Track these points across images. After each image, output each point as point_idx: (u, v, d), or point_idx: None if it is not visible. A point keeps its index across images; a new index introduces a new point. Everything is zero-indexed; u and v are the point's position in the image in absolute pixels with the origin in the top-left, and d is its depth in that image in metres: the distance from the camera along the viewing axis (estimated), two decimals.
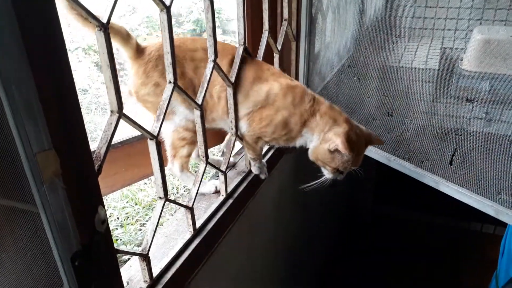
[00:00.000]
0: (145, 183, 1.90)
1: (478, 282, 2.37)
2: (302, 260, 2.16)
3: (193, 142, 1.07)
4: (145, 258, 0.80)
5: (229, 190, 1.15)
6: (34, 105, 0.48)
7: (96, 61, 2.94)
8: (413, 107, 1.36)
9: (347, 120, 1.12)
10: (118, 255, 0.70)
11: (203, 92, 0.95)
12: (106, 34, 0.61)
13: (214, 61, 0.95)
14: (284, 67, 1.46)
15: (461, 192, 1.25)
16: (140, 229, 1.67)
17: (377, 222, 3.12)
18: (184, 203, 0.94)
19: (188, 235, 0.97)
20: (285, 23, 1.39)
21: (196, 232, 0.99)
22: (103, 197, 0.63)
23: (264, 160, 1.30)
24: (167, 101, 0.81)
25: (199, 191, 1.00)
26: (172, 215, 1.13)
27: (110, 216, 1.70)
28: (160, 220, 0.84)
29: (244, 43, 1.08)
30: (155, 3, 0.74)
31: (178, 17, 3.63)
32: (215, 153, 1.66)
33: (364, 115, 1.47)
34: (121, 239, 1.61)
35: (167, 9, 0.76)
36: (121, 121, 0.67)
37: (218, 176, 1.13)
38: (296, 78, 1.56)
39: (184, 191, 1.85)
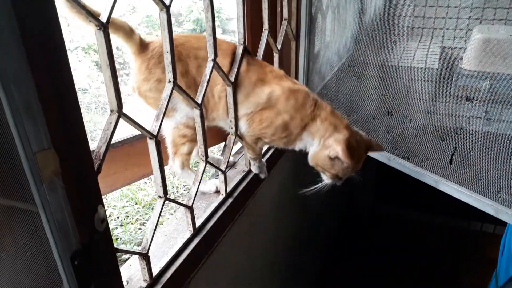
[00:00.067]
0: (145, 183, 1.90)
1: (478, 281, 2.37)
2: (302, 259, 2.16)
3: (194, 140, 1.07)
4: (144, 257, 0.80)
5: (228, 189, 1.15)
6: (33, 104, 0.48)
7: (96, 60, 2.94)
8: (413, 106, 1.36)
9: (348, 126, 1.11)
10: (118, 254, 0.70)
11: (203, 91, 0.95)
12: (106, 34, 0.61)
13: (214, 60, 0.95)
14: (284, 67, 1.46)
15: (460, 191, 1.25)
16: (140, 228, 1.68)
17: (377, 222, 3.12)
18: (184, 202, 0.94)
19: (187, 234, 0.98)
20: (285, 22, 1.39)
21: (196, 231, 0.99)
22: (102, 197, 0.63)
23: (264, 160, 1.30)
24: (167, 101, 0.81)
25: (199, 189, 1.00)
26: (172, 214, 1.13)
27: (110, 216, 1.70)
28: (160, 219, 0.85)
29: (244, 42, 1.08)
30: (154, 2, 0.74)
31: (178, 17, 3.63)
32: (215, 152, 1.67)
33: (364, 114, 1.47)
34: (121, 238, 1.61)
35: (167, 8, 0.76)
36: (121, 120, 0.67)
37: (218, 175, 1.13)
38: (296, 77, 1.56)
39: (184, 190, 1.85)
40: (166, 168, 0.99)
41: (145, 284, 0.82)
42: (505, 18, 1.19)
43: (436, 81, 1.31)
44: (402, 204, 3.08)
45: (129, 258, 0.94)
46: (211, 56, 0.95)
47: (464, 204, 1.26)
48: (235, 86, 1.06)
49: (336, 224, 3.00)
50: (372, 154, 1.45)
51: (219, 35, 1.09)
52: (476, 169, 1.22)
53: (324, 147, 1.09)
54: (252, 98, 1.07)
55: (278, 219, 1.67)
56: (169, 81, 0.82)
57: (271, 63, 1.33)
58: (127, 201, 1.79)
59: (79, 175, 0.57)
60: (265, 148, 1.38)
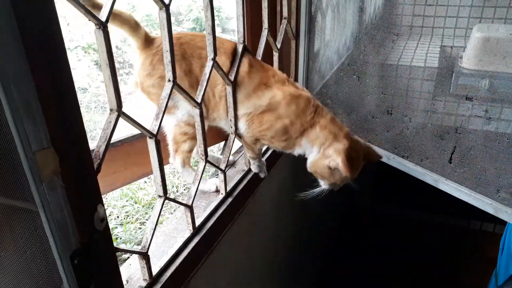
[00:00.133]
0: (145, 182, 1.90)
1: (478, 280, 2.38)
2: (302, 259, 2.16)
3: (194, 138, 1.07)
4: (144, 256, 0.80)
5: (228, 188, 1.15)
6: (33, 104, 0.48)
7: (96, 59, 2.94)
8: (412, 105, 1.36)
9: (347, 135, 1.12)
10: (117, 253, 0.70)
11: (202, 90, 0.95)
12: (105, 32, 0.61)
13: (214, 59, 0.95)
14: (284, 66, 1.46)
15: (460, 190, 1.25)
16: (140, 228, 1.68)
17: (377, 221, 3.12)
18: (184, 202, 0.94)
19: (187, 233, 0.98)
20: (284, 21, 1.38)
21: (196, 230, 0.99)
22: (102, 196, 0.63)
23: (263, 159, 1.30)
24: (166, 100, 0.81)
25: (199, 188, 1.00)
26: (172, 214, 1.13)
27: (110, 215, 1.71)
28: (160, 218, 0.85)
29: (244, 41, 1.08)
30: (154, 1, 0.74)
31: (178, 16, 3.63)
32: (214, 151, 1.67)
33: (364, 113, 1.47)
34: (121, 238, 1.61)
35: (166, 7, 0.76)
36: (121, 119, 0.67)
37: (218, 174, 1.13)
38: (296, 76, 1.56)
39: (184, 189, 1.85)
40: (166, 167, 0.99)
41: (145, 283, 0.82)
42: (505, 17, 1.19)
43: (436, 80, 1.31)
44: (402, 203, 3.08)
45: (129, 257, 0.94)
46: (210, 55, 0.95)
47: (464, 203, 1.26)
48: (236, 85, 1.06)
49: (336, 224, 3.00)
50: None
51: (220, 35, 1.09)
52: (475, 168, 1.22)
53: (324, 156, 1.10)
54: (253, 99, 1.07)
55: (278, 219, 1.67)
56: (169, 80, 0.82)
57: (271, 62, 1.33)
58: (127, 200, 1.79)
59: (79, 174, 0.57)
60: (264, 147, 1.38)
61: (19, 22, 0.44)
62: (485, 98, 1.19)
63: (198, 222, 1.01)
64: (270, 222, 1.60)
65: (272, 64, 1.33)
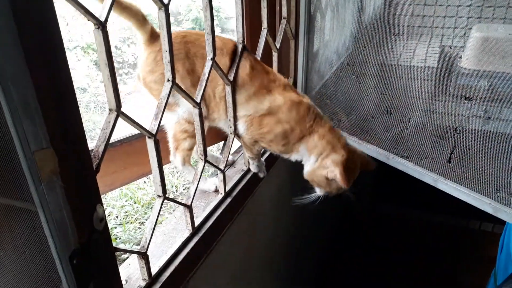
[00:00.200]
0: (144, 182, 1.90)
1: (477, 280, 2.38)
2: (301, 258, 2.16)
3: (195, 136, 1.07)
4: (143, 256, 0.80)
5: (227, 188, 1.15)
6: (32, 103, 0.48)
7: (95, 60, 2.94)
8: (412, 105, 1.36)
9: (345, 145, 1.13)
10: (116, 253, 0.70)
11: (202, 90, 0.95)
12: (105, 33, 0.61)
13: (213, 59, 0.95)
14: (283, 66, 1.46)
15: (459, 190, 1.25)
16: (139, 228, 1.68)
17: (376, 221, 3.12)
18: (183, 202, 0.94)
19: (186, 233, 0.98)
20: (283, 21, 1.38)
21: (195, 230, 0.99)
22: (102, 196, 0.63)
23: (262, 159, 1.30)
24: (165, 100, 0.81)
25: (199, 187, 1.00)
26: (171, 214, 1.13)
27: (109, 215, 1.71)
28: (159, 218, 0.85)
29: (243, 41, 1.08)
30: (153, 1, 0.74)
31: (177, 16, 3.63)
32: (214, 150, 1.66)
33: (363, 113, 1.47)
34: (120, 238, 1.61)
35: (165, 7, 0.76)
36: (120, 119, 0.67)
37: (217, 173, 1.13)
38: (295, 76, 1.56)
39: (183, 189, 1.85)
40: (165, 167, 0.99)
41: (144, 283, 0.82)
42: (504, 17, 1.19)
43: (435, 80, 1.31)
44: (401, 203, 3.09)
45: (128, 257, 0.94)
46: (209, 55, 0.95)
47: (463, 202, 1.26)
48: (236, 86, 1.06)
49: (336, 224, 3.00)
50: (371, 152, 1.45)
51: (220, 35, 1.08)
52: (474, 168, 1.23)
53: (321, 167, 1.11)
54: (254, 102, 1.07)
55: (277, 218, 1.67)
56: (168, 80, 0.82)
57: (270, 62, 1.33)
58: (126, 200, 1.79)
59: (78, 174, 0.57)
60: None
61: (18, 22, 0.44)
62: (484, 98, 1.19)
63: (197, 222, 1.01)
64: (269, 222, 1.60)
65: (271, 64, 1.33)
